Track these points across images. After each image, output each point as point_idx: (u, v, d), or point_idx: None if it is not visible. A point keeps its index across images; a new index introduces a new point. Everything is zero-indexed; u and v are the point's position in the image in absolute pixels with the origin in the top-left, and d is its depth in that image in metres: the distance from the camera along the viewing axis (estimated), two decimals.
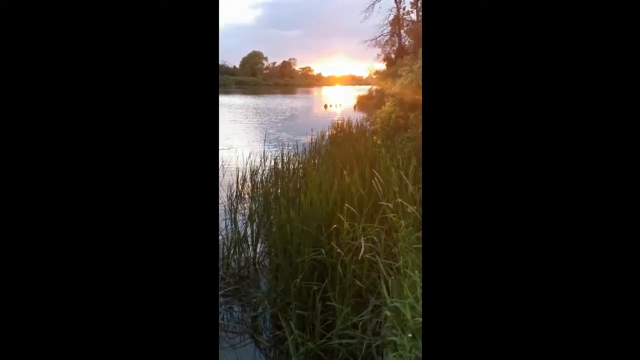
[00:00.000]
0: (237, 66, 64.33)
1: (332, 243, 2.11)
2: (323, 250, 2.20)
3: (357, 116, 10.74)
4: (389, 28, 18.78)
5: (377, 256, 1.99)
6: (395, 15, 18.48)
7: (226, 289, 2.45)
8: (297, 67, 71.73)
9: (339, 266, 2.04)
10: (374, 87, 18.69)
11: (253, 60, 64.73)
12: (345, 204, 2.38)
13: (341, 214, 2.36)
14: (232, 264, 2.75)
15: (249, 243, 3.00)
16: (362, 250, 1.89)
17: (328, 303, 1.97)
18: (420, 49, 7.91)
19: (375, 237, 2.19)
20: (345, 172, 3.03)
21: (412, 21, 17.39)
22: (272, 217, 3.25)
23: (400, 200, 2.25)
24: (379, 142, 4.97)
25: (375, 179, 2.52)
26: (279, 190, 4.08)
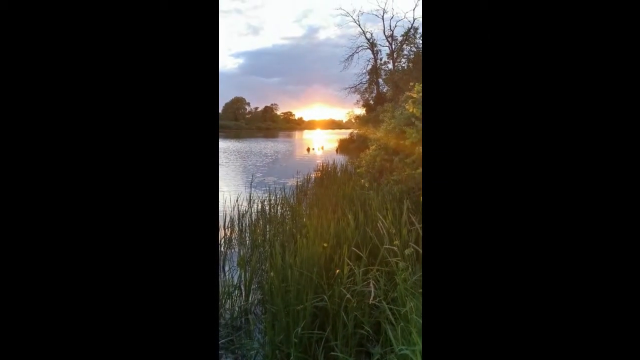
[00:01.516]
0: (220, 111, 65.47)
1: (342, 289, 2.06)
2: (325, 296, 2.14)
3: (340, 159, 10.96)
4: (368, 77, 19.82)
5: (382, 301, 1.95)
6: (373, 65, 19.60)
7: (220, 341, 2.32)
8: (278, 112, 73.69)
9: (342, 312, 1.98)
10: (355, 131, 19.31)
11: (236, 106, 66.23)
12: (352, 247, 2.36)
13: (339, 258, 2.33)
14: (224, 314, 2.62)
15: (242, 290, 2.89)
16: (372, 295, 1.85)
17: (332, 353, 1.88)
18: (401, 96, 8.34)
19: (373, 281, 2.16)
20: (336, 215, 3.04)
21: (390, 70, 18.45)
22: (266, 263, 3.17)
23: (397, 242, 2.26)
24: (366, 184, 5.05)
25: (369, 221, 2.53)
26: (269, 235, 4.02)
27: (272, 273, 2.51)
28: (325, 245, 2.55)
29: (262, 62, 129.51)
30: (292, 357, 1.90)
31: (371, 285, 1.91)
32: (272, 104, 73.09)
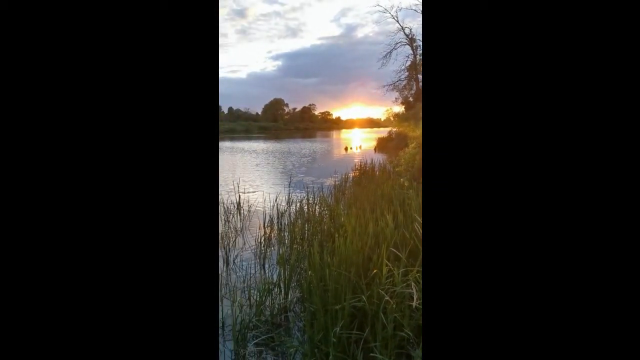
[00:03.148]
0: (260, 113, 67.20)
1: (380, 290, 2.03)
2: (363, 297, 2.12)
3: (378, 158, 10.81)
4: (407, 73, 19.39)
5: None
6: (412, 61, 19.14)
7: (260, 338, 2.37)
8: (316, 112, 74.18)
9: (381, 314, 1.95)
10: (393, 129, 18.97)
11: (274, 107, 67.58)
12: (391, 247, 2.33)
13: (377, 258, 2.30)
14: (265, 310, 2.68)
15: (281, 288, 2.94)
16: (415, 297, 1.80)
17: (371, 355, 1.86)
18: None
19: (414, 283, 2.11)
20: (375, 214, 3.00)
21: None
22: (305, 262, 3.20)
23: None
24: (405, 184, 4.94)
25: (409, 221, 2.47)
26: (307, 234, 4.06)
27: (310, 272, 2.52)
28: (356, 246, 2.53)
29: (300, 63, 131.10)
30: (331, 357, 1.90)
31: (412, 287, 1.86)
32: (310, 105, 73.79)
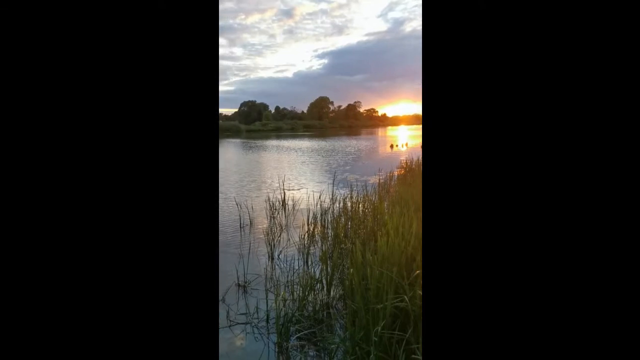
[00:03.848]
0: (305, 111, 68.08)
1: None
2: (406, 297, 2.08)
3: None
4: None
5: None
6: None
7: (302, 332, 2.42)
8: (361, 110, 73.62)
9: None
10: None
11: (320, 105, 68.07)
12: None
13: (421, 259, 2.24)
14: (307, 306, 2.72)
15: (323, 284, 2.97)
16: None
17: (413, 356, 1.83)
18: None
19: None
20: (419, 214, 2.92)
21: None
22: (347, 260, 3.21)
23: None
24: None
25: None
26: (350, 232, 4.06)
27: (352, 270, 2.52)
28: (399, 245, 2.48)
29: (346, 61, 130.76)
30: (372, 356, 1.89)
31: None
32: (355, 102, 73.40)
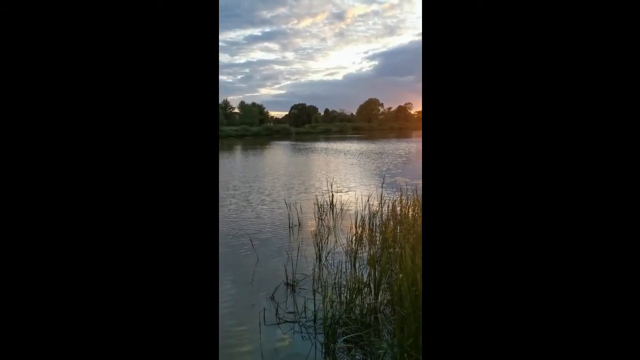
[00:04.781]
0: (354, 113, 67.95)
1: None
2: None
3: None
4: None
5: None
6: None
7: (349, 335, 2.42)
8: (412, 111, 71.79)
9: None
10: None
11: (369, 107, 67.56)
12: None
13: None
14: (354, 309, 2.72)
15: (371, 289, 2.94)
16: None
17: None
18: None
19: None
20: None
21: None
22: (396, 264, 3.15)
23: None
24: None
25: None
26: (399, 236, 3.97)
27: (401, 275, 2.47)
28: None
29: (396, 62, 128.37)
30: None
31: None
32: (406, 104, 71.75)
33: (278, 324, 2.65)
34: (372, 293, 2.91)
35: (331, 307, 2.63)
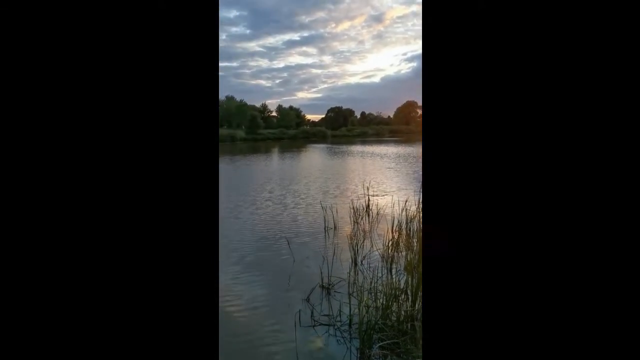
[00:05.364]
0: (391, 116, 67.05)
1: None
2: None
3: None
4: None
5: None
6: None
7: (385, 342, 2.38)
8: None
9: None
10: None
11: (407, 110, 66.34)
12: None
13: None
14: (391, 315, 2.67)
15: (408, 295, 2.88)
16: None
17: None
18: None
19: None
20: None
21: None
22: None
23: None
24: None
25: None
26: None
27: None
28: None
29: None
30: None
31: None
32: None
33: (313, 326, 2.66)
34: (410, 300, 2.85)
35: (367, 312, 2.60)
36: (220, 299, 3.22)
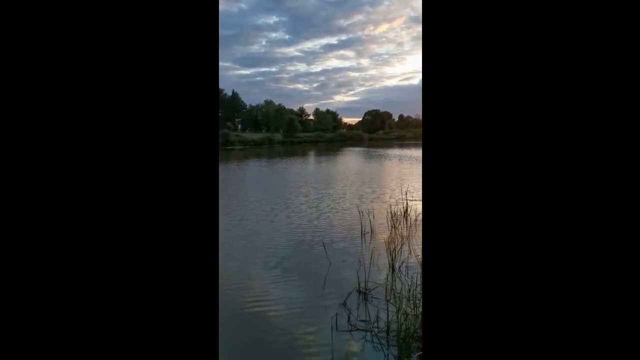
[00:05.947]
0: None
1: None
2: None
3: None
4: None
5: None
6: None
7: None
8: None
9: None
10: None
11: None
12: None
13: None
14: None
15: None
16: None
17: None
18: None
19: None
20: None
21: None
22: None
23: None
24: None
25: None
26: None
27: None
28: None
29: None
30: None
31: None
32: None
33: (350, 331, 2.64)
34: None
35: (405, 319, 2.55)
36: (258, 303, 3.27)
